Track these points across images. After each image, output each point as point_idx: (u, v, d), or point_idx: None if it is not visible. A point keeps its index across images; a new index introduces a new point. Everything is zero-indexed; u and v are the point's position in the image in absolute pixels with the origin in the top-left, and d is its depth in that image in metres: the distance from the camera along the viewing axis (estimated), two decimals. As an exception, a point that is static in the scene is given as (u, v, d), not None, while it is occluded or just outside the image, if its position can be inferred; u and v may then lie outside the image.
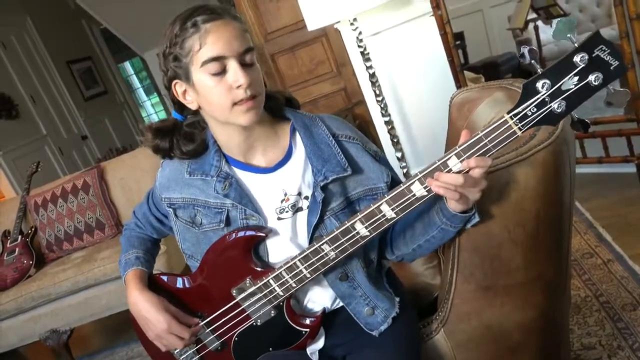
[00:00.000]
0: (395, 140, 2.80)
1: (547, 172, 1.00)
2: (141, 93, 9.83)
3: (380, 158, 1.10)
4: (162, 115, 9.59)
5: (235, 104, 0.97)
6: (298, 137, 1.09)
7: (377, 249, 1.13)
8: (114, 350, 2.89)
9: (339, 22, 2.74)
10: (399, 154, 2.83)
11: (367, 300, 1.09)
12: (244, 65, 0.97)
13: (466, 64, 3.77)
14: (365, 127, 3.39)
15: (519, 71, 5.80)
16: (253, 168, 1.08)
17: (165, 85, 1.06)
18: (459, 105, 1.54)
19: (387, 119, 2.76)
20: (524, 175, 0.99)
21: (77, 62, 6.14)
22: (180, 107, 1.08)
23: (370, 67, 2.66)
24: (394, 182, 1.08)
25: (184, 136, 1.09)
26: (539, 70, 0.80)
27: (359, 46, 2.63)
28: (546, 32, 5.15)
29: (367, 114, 3.24)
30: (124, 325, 3.06)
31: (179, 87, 1.03)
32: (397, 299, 1.14)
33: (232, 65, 0.96)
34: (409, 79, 2.95)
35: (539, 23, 4.84)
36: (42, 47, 5.59)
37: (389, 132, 2.78)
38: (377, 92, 2.70)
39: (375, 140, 3.07)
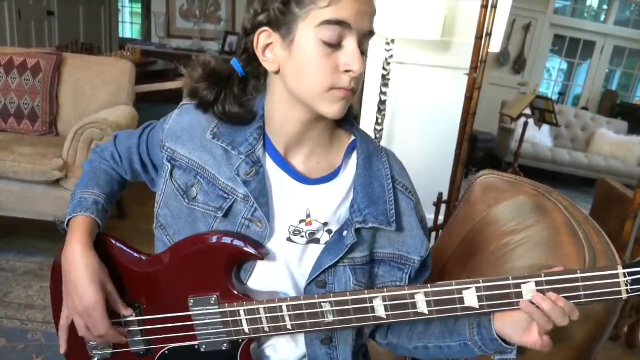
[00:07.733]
0: (373, 174, 2.64)
1: (594, 331, 0.86)
2: (126, -3, 9.16)
3: (425, 226, 0.92)
4: (136, 30, 8.98)
5: (333, 87, 0.77)
6: (353, 160, 0.89)
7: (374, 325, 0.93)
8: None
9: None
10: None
11: None
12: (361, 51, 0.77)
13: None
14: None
15: (490, 155, 5.90)
16: (289, 168, 0.86)
17: (247, 27, 0.82)
18: (484, 188, 1.41)
19: (376, 150, 2.60)
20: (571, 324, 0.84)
21: None
22: (248, 60, 0.85)
23: (385, 94, 2.50)
24: (426, 260, 0.90)
25: (234, 95, 0.85)
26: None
27: (384, 69, 2.46)
28: (530, 131, 5.22)
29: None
30: (6, 230, 2.72)
31: (264, 37, 0.80)
32: None
33: (351, 44, 0.76)
34: (411, 122, 2.81)
35: (530, 121, 4.89)
36: None
37: (371, 164, 2.62)
38: (380, 120, 2.53)
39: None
